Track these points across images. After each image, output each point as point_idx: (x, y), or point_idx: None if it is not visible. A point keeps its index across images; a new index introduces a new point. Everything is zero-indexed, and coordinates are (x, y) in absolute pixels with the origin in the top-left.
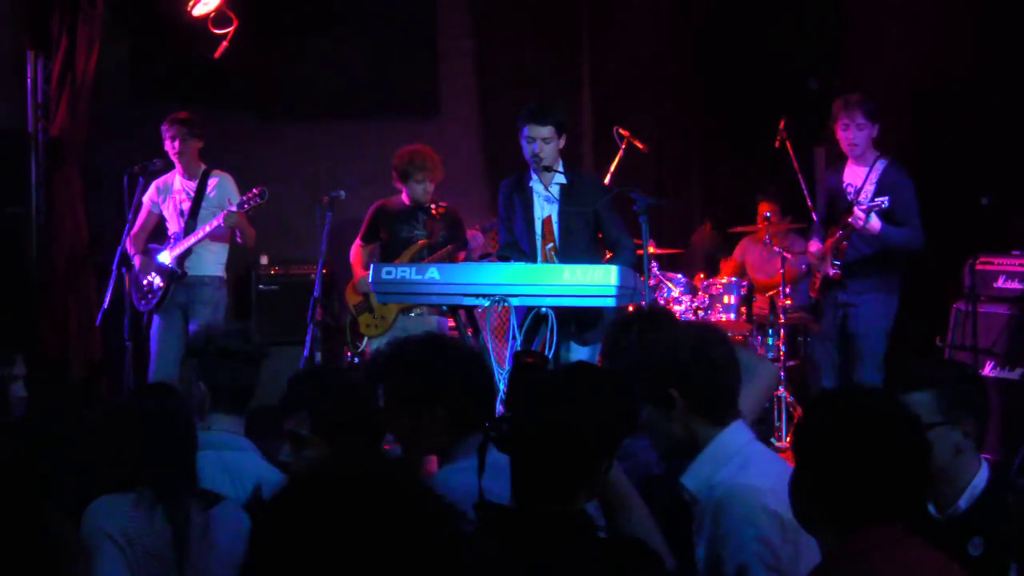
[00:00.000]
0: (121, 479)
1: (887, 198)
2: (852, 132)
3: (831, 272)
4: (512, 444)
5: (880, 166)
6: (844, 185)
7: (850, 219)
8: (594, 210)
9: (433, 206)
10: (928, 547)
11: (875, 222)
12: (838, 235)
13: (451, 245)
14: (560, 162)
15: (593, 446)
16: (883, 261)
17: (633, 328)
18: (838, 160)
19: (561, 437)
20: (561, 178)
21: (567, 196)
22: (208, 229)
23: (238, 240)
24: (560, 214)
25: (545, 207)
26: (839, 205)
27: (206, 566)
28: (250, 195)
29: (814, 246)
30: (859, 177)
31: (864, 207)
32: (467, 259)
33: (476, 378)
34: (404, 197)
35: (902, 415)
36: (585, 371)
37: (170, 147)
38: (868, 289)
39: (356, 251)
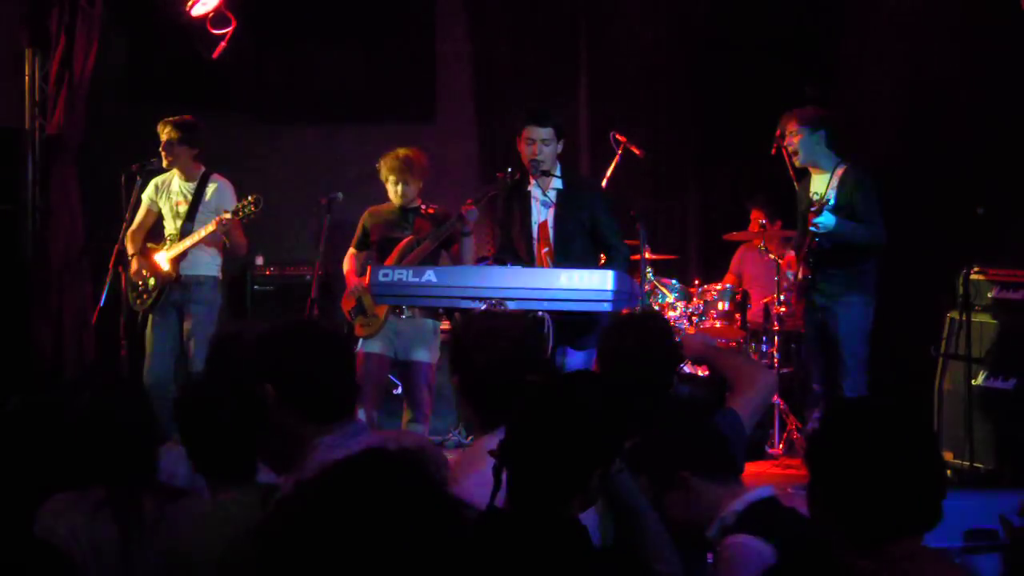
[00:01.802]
0: (71, 477)
1: (832, 195)
2: (789, 140)
3: (801, 273)
4: (508, 450)
5: (840, 170)
6: (811, 194)
7: (810, 225)
8: (591, 214)
9: (423, 207)
10: (949, 561)
11: (828, 218)
12: (806, 242)
13: (439, 230)
14: (559, 166)
15: (588, 454)
16: (853, 263)
17: (629, 333)
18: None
19: (556, 445)
20: (558, 183)
21: (564, 201)
22: (203, 234)
23: (226, 246)
24: (556, 219)
25: (542, 211)
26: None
27: (155, 561)
28: (245, 203)
29: (786, 260)
30: (822, 184)
31: (814, 208)
32: (464, 236)
33: (317, 365)
34: (394, 200)
35: (917, 429)
36: (581, 379)
37: (161, 149)
38: (841, 292)
39: (349, 260)
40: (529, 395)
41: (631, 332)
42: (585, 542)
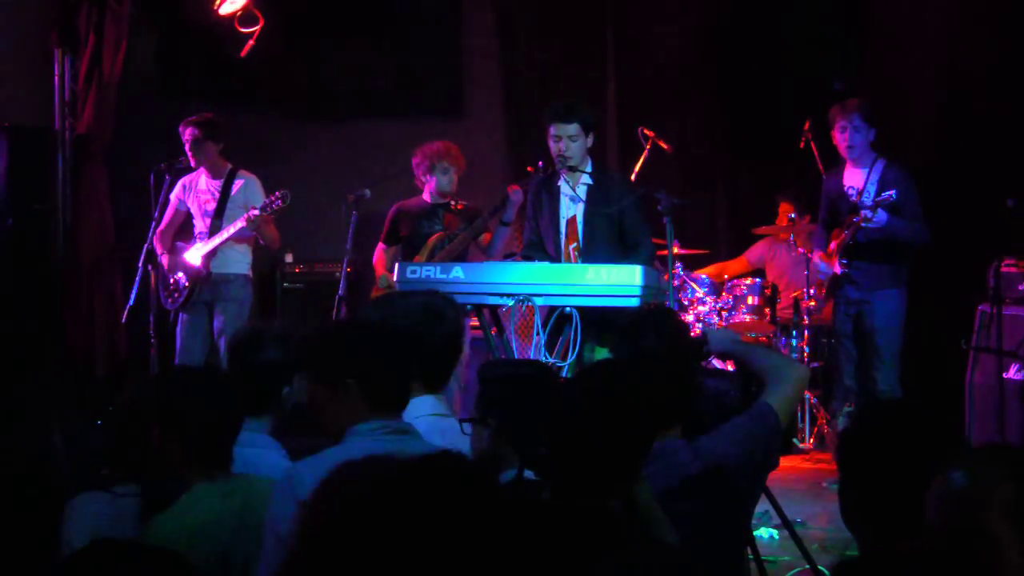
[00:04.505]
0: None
1: (894, 191)
2: (849, 134)
3: (838, 270)
4: (553, 447)
5: (880, 166)
6: (845, 188)
7: (855, 218)
8: (619, 211)
9: (453, 203)
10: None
11: (882, 215)
12: (844, 236)
13: (475, 223)
14: (590, 162)
15: (630, 443)
16: (891, 257)
17: (649, 326)
18: (837, 165)
19: (600, 434)
20: (588, 179)
21: (593, 197)
22: (232, 231)
23: (260, 242)
24: (585, 215)
25: (571, 207)
26: (840, 208)
27: None
28: (273, 198)
29: (817, 256)
30: (859, 179)
31: (870, 204)
32: (503, 224)
33: (387, 356)
34: (425, 195)
35: (945, 430)
36: (619, 370)
37: (187, 150)
38: (879, 285)
39: (379, 254)
40: (568, 390)
41: (651, 329)
42: (622, 530)
